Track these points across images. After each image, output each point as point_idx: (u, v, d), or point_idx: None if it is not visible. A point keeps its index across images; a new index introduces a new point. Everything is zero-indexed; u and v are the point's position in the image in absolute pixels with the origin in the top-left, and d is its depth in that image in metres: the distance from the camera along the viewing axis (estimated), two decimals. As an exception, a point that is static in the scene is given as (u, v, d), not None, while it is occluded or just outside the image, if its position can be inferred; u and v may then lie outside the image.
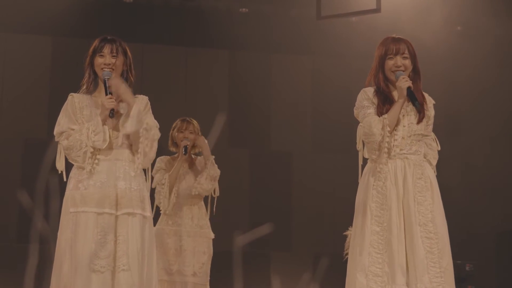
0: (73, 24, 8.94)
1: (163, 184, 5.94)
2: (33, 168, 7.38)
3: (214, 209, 6.15)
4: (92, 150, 4.04)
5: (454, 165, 9.67)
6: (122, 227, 4.03)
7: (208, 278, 6.04)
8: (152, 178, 5.97)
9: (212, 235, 6.10)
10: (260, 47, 9.73)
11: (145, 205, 4.14)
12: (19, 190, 7.97)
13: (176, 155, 6.16)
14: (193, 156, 6.20)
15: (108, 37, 4.23)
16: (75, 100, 4.17)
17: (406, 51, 4.24)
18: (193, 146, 6.15)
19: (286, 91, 9.92)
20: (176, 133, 6.10)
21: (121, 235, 4.01)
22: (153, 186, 5.97)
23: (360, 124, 4.25)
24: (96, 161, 4.06)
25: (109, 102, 4.07)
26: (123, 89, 4.13)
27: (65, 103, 4.19)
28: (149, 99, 4.30)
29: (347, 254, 4.53)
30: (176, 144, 6.14)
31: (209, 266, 6.05)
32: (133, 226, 4.05)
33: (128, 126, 4.08)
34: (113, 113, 4.07)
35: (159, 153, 6.19)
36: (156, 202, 6.01)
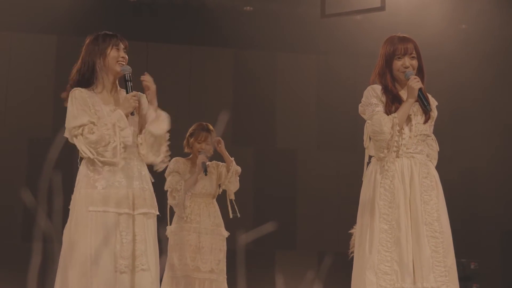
0: (77, 23, 8.93)
1: (179, 191, 6.01)
2: (37, 167, 7.40)
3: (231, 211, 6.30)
4: (123, 145, 4.00)
5: (459, 163, 9.66)
6: (139, 227, 4.03)
7: (225, 275, 6.14)
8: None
9: (227, 234, 6.18)
10: (265, 45, 9.72)
11: (155, 204, 4.17)
12: (23, 188, 7.98)
13: (190, 156, 6.24)
14: None
15: (117, 34, 4.20)
16: (85, 96, 4.09)
17: (414, 52, 4.23)
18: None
19: (291, 88, 9.91)
20: (193, 141, 6.19)
21: (139, 234, 4.02)
22: (165, 188, 6.06)
23: (368, 121, 4.22)
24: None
25: (135, 100, 4.07)
26: (154, 88, 4.15)
27: (73, 98, 4.08)
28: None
29: (352, 252, 4.53)
30: (191, 148, 6.24)
31: (225, 263, 6.14)
32: (149, 226, 4.07)
33: (159, 129, 4.10)
34: (134, 112, 4.09)
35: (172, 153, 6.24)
36: (170, 203, 6.09)
